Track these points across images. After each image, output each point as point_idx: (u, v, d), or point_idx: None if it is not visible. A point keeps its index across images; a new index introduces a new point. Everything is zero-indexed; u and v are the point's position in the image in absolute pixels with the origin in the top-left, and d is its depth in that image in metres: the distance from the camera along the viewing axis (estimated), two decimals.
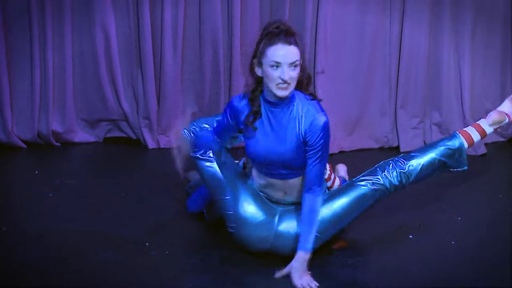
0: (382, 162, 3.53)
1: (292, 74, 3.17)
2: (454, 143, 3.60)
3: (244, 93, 3.37)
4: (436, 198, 4.42)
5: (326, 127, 3.25)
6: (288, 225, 3.41)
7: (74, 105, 5.46)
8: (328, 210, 3.41)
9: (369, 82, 5.55)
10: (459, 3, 5.49)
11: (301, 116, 3.25)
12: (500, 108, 3.62)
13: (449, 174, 4.81)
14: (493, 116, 3.59)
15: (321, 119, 3.24)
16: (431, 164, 3.53)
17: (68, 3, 5.25)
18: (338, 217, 3.41)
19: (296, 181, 3.37)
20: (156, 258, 3.44)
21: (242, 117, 3.34)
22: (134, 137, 5.56)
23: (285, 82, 3.16)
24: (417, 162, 3.52)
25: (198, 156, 3.48)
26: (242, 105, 3.35)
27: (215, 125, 3.52)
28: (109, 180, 4.64)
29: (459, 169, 3.60)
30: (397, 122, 5.61)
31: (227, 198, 3.45)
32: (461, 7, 5.50)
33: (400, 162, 3.51)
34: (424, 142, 5.68)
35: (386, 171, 3.48)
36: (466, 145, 3.61)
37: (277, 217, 3.41)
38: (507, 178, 4.92)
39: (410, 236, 3.78)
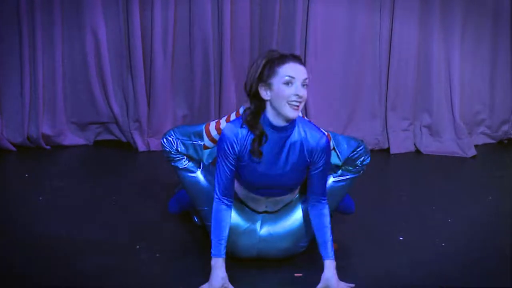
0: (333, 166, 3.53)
1: (304, 93, 3.09)
2: None
3: (236, 122, 3.19)
4: (426, 199, 4.43)
5: (329, 147, 3.27)
6: (269, 228, 3.39)
7: (64, 108, 5.46)
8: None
9: (359, 84, 5.57)
10: (448, 3, 5.52)
11: (305, 138, 3.20)
12: None
13: (440, 176, 4.86)
14: None
15: (324, 139, 3.22)
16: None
17: (58, 7, 5.25)
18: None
19: (280, 198, 3.37)
20: (146, 260, 3.44)
21: (244, 148, 3.17)
22: (124, 140, 5.55)
23: (300, 98, 3.07)
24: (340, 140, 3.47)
25: (178, 167, 3.44)
26: (241, 136, 3.16)
27: (217, 185, 3.23)
28: (99, 183, 4.63)
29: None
30: (387, 125, 5.62)
31: (206, 209, 3.43)
32: (450, 7, 5.52)
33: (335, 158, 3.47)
34: (415, 144, 5.70)
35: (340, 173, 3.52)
36: None
37: (259, 223, 3.40)
38: (497, 179, 4.94)
39: (400, 238, 3.78)
